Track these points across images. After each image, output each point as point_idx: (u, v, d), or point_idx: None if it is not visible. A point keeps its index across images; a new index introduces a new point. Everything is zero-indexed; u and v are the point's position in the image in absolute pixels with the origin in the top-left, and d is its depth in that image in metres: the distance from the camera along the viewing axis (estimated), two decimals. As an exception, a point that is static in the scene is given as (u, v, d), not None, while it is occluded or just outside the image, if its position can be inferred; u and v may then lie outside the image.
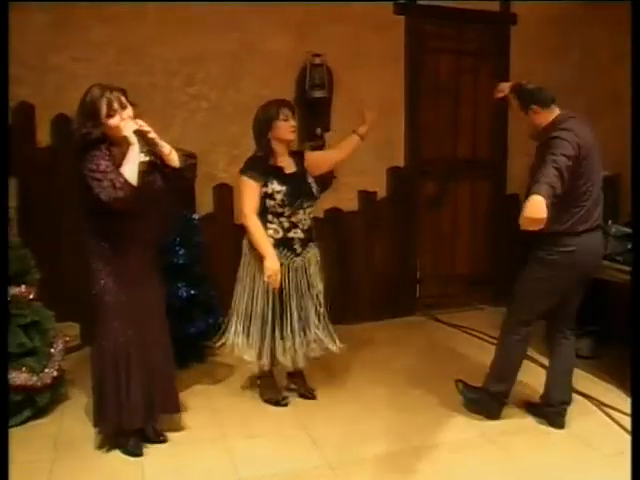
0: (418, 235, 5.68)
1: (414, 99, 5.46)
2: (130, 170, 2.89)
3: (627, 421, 3.42)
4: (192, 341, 4.34)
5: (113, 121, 2.93)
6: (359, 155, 4.32)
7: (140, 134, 2.95)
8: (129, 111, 2.98)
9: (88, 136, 2.92)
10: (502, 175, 5.86)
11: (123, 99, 2.98)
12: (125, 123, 2.93)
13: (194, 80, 4.89)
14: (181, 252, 4.26)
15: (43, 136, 4.56)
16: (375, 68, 5.21)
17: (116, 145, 2.98)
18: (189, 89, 4.88)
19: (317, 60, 4.98)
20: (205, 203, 4.96)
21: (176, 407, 3.40)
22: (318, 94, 4.99)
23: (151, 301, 3.24)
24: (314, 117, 5.07)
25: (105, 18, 4.55)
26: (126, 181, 2.86)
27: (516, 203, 5.92)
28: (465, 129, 5.78)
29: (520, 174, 5.78)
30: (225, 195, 4.99)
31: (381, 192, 5.44)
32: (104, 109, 2.91)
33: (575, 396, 3.90)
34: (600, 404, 3.77)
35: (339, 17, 5.08)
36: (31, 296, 3.61)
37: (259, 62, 4.97)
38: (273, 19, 4.94)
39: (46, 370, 3.54)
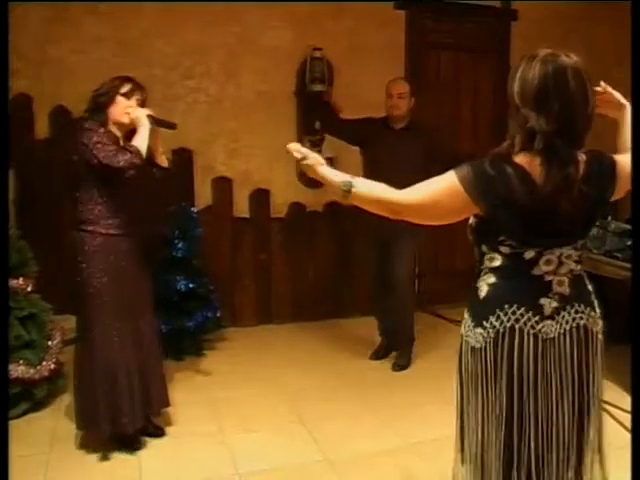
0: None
1: (414, 94, 5.43)
2: (140, 144, 2.92)
3: (625, 417, 3.42)
4: (190, 334, 4.34)
5: (125, 102, 2.98)
6: (358, 149, 4.33)
7: (152, 119, 2.99)
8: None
9: (99, 97, 2.98)
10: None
11: (144, 95, 3.05)
12: (134, 109, 2.98)
13: (193, 73, 4.87)
14: (180, 245, 4.26)
15: (41, 128, 4.55)
16: (375, 63, 5.19)
17: (114, 127, 3.00)
18: (188, 82, 4.87)
19: (317, 54, 4.98)
20: (204, 196, 4.95)
21: (167, 401, 3.35)
22: (318, 88, 4.98)
23: (144, 296, 3.21)
24: (313, 111, 5.06)
25: (104, 11, 4.53)
26: (139, 150, 2.89)
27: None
28: (465, 124, 5.78)
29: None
30: (224, 188, 4.98)
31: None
32: (125, 88, 2.99)
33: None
34: (598, 400, 3.76)
35: (340, 11, 5.07)
36: (29, 288, 3.60)
37: (259, 56, 4.96)
38: (273, 13, 4.93)
39: (43, 363, 3.53)
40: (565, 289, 1.81)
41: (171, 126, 3.08)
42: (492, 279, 1.86)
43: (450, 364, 4.24)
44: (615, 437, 3.29)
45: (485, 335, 1.82)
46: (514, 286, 1.82)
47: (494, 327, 1.80)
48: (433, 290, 5.74)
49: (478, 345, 1.83)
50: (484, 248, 1.88)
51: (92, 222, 3.00)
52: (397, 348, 4.44)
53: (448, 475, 2.99)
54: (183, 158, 4.78)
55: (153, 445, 3.23)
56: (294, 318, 5.19)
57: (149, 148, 3.00)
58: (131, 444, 3.16)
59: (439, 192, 1.78)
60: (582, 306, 1.84)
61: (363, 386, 4.03)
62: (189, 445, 3.25)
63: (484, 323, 1.82)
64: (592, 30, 5.74)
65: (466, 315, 1.91)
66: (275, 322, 5.20)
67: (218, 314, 4.49)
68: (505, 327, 1.79)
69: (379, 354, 4.50)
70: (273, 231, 5.19)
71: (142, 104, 3.03)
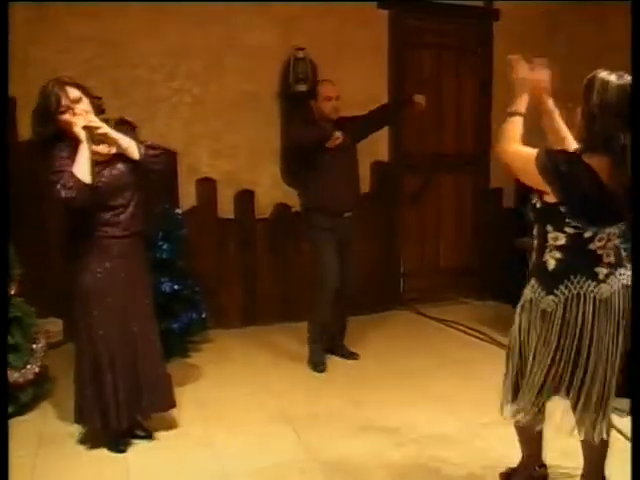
0: (402, 229, 5.70)
1: (397, 93, 5.46)
2: (81, 168, 2.83)
3: (618, 419, 3.39)
4: (175, 336, 4.33)
5: (64, 117, 2.88)
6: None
7: (89, 130, 2.87)
8: (84, 105, 2.93)
9: (41, 134, 2.91)
10: (485, 169, 5.88)
11: (75, 93, 2.92)
12: (77, 118, 2.88)
13: (177, 74, 4.86)
14: (164, 247, 4.25)
15: (24, 130, 4.50)
16: (359, 62, 5.21)
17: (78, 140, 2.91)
18: (172, 83, 4.85)
19: (300, 54, 4.98)
20: (188, 197, 4.94)
21: (169, 404, 3.32)
22: (301, 88, 4.98)
23: (139, 299, 3.18)
24: (297, 111, 5.06)
25: (87, 11, 4.50)
26: (77, 180, 2.80)
27: (500, 197, 5.98)
28: (448, 123, 5.81)
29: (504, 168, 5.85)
30: (208, 189, 4.97)
31: (364, 187, 5.44)
32: (53, 106, 2.87)
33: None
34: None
35: (323, 11, 5.07)
36: (12, 292, 3.57)
37: (243, 56, 4.95)
38: (257, 13, 4.93)
39: (28, 366, 3.52)
40: (612, 259, 2.31)
41: (99, 138, 2.93)
42: (558, 255, 2.32)
43: (434, 362, 4.29)
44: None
45: (557, 301, 2.31)
46: (576, 260, 2.30)
47: (564, 294, 2.30)
48: (418, 289, 5.77)
49: (549, 309, 2.33)
50: (549, 228, 2.32)
51: (83, 224, 2.99)
52: (338, 342, 4.57)
53: (434, 473, 3.01)
54: (167, 159, 4.76)
55: (141, 446, 3.23)
56: (280, 319, 5.18)
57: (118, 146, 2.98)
58: (116, 444, 3.16)
59: (522, 160, 2.29)
60: (622, 269, 2.33)
61: (348, 386, 4.03)
62: (176, 446, 3.25)
63: (555, 291, 2.32)
64: (574, 29, 5.79)
65: (535, 284, 2.40)
66: (260, 323, 5.19)
67: (203, 315, 4.48)
68: (572, 294, 2.29)
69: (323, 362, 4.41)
70: (258, 232, 5.19)
71: (87, 95, 2.94)
